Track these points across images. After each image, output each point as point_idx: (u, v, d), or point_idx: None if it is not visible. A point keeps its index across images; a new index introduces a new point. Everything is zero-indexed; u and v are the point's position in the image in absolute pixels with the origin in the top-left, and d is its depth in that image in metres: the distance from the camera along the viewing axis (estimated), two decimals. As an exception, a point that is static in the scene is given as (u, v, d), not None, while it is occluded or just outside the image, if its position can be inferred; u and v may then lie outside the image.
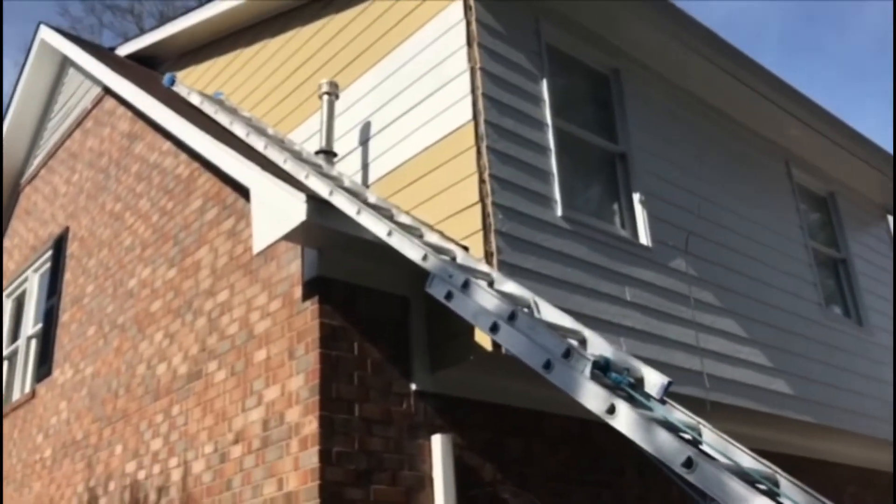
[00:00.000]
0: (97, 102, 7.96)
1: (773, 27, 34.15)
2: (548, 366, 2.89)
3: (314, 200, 3.98)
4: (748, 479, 2.37)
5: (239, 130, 5.54)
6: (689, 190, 5.98)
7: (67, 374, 6.86)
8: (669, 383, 2.87)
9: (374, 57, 5.51)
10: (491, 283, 3.68)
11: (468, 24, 4.86)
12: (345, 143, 5.55)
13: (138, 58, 8.44)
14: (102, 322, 6.50)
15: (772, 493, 2.40)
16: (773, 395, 5.72)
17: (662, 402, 2.86)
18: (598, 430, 4.21)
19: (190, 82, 7.56)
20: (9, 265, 9.12)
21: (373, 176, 5.26)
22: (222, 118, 5.87)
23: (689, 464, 2.31)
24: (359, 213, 3.93)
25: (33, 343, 8.02)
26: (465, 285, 3.40)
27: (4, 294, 8.90)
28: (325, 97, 5.50)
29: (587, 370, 2.78)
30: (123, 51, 8.65)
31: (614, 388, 2.78)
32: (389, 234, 3.81)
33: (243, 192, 4.84)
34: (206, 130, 5.17)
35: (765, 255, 6.45)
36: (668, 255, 5.47)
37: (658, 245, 5.43)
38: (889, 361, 7.29)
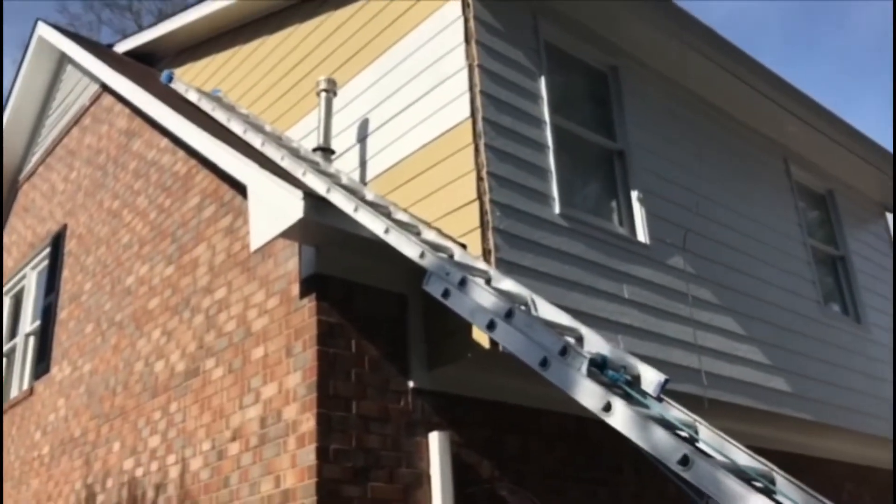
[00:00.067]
0: (95, 99, 7.95)
1: (773, 25, 34.13)
2: (544, 363, 2.88)
3: (311, 198, 3.97)
4: (744, 476, 2.37)
5: (236, 127, 5.53)
6: (688, 187, 5.98)
7: (65, 371, 6.85)
8: (666, 381, 2.87)
9: (372, 54, 5.51)
10: (488, 281, 3.67)
11: (466, 21, 4.86)
12: (343, 140, 5.55)
13: (136, 55, 8.43)
14: (100, 319, 6.49)
15: (768, 491, 2.40)
16: (771, 392, 5.72)
17: (659, 399, 2.86)
18: (595, 428, 4.21)
19: (188, 79, 7.55)
20: (7, 262, 9.11)
21: (371, 173, 5.26)
22: (220, 115, 5.86)
23: (685, 461, 2.31)
24: (356, 210, 3.93)
25: (31, 340, 8.01)
26: (462, 283, 3.39)
27: (3, 291, 8.89)
28: (323, 94, 5.49)
29: (584, 368, 2.78)
30: (121, 48, 8.64)
31: (611, 386, 2.78)
32: (387, 231, 3.81)
33: (241, 189, 4.83)
34: (203, 127, 5.17)
35: (763, 252, 6.45)
36: (667, 253, 5.47)
37: (656, 242, 5.43)
38: (887, 359, 7.29)
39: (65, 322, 7.15)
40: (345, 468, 3.89)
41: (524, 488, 4.51)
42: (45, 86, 8.91)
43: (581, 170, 5.53)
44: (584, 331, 3.25)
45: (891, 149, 8.00)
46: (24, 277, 8.56)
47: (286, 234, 4.12)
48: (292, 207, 3.93)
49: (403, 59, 5.22)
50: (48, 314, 7.50)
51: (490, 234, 4.35)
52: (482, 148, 4.55)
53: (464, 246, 4.30)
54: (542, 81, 5.17)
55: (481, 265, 3.89)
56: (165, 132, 6.07)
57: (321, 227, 4.06)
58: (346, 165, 5.43)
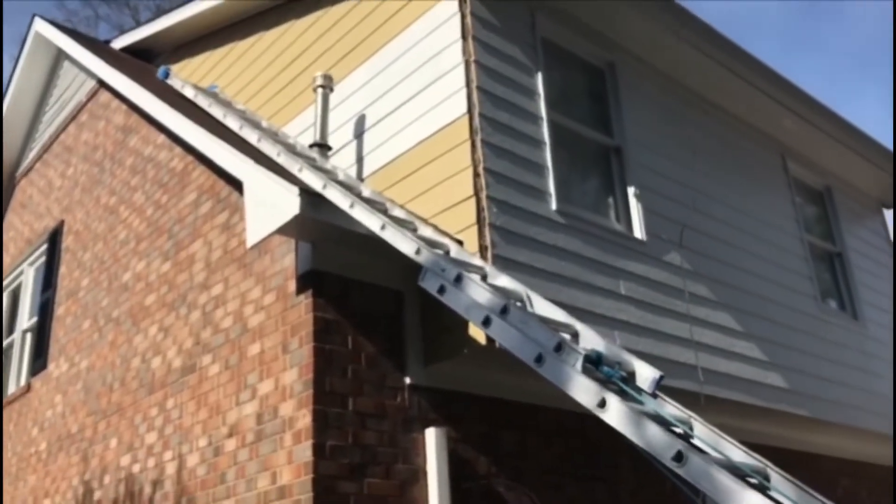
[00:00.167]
0: (92, 95, 7.94)
1: (772, 20, 34.10)
2: (539, 359, 2.89)
3: (307, 194, 3.97)
4: (739, 473, 2.37)
5: (233, 123, 5.52)
6: (685, 184, 5.98)
7: (63, 367, 6.85)
8: (661, 377, 2.88)
9: (369, 50, 5.50)
10: (484, 277, 3.67)
11: (463, 17, 4.85)
12: (339, 136, 5.54)
13: (133, 51, 8.41)
14: (97, 315, 6.49)
15: (762, 488, 2.40)
16: (767, 388, 5.73)
17: (654, 395, 2.86)
18: (593, 424, 4.20)
19: (185, 75, 7.54)
20: (4, 258, 9.10)
21: (367, 169, 5.25)
22: (216, 111, 5.85)
23: (679, 458, 2.32)
24: (352, 206, 3.93)
25: (28, 336, 8.01)
26: (458, 279, 3.39)
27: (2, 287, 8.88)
28: (320, 90, 5.48)
29: (578, 364, 2.78)
30: (119, 44, 8.61)
31: (605, 382, 2.78)
32: (383, 227, 3.80)
33: (237, 185, 4.83)
34: (200, 124, 5.16)
35: (760, 248, 6.45)
36: (663, 249, 5.47)
37: (653, 239, 5.43)
38: (883, 355, 7.30)
39: (62, 318, 7.15)
40: (341, 464, 3.89)
41: (521, 484, 4.51)
42: (42, 82, 8.90)
43: (578, 166, 5.53)
44: (580, 327, 3.25)
45: (887, 144, 8.00)
46: (21, 274, 8.55)
47: (282, 231, 4.11)
48: (288, 204, 3.93)
49: (400, 55, 5.21)
50: (45, 310, 7.49)
51: (486, 231, 4.35)
52: (479, 144, 4.54)
53: (460, 242, 4.30)
54: (539, 77, 5.17)
55: (477, 261, 3.89)
56: (162, 128, 6.06)
57: (317, 224, 4.06)
58: (342, 162, 5.43)
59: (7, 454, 7.44)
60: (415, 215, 4.42)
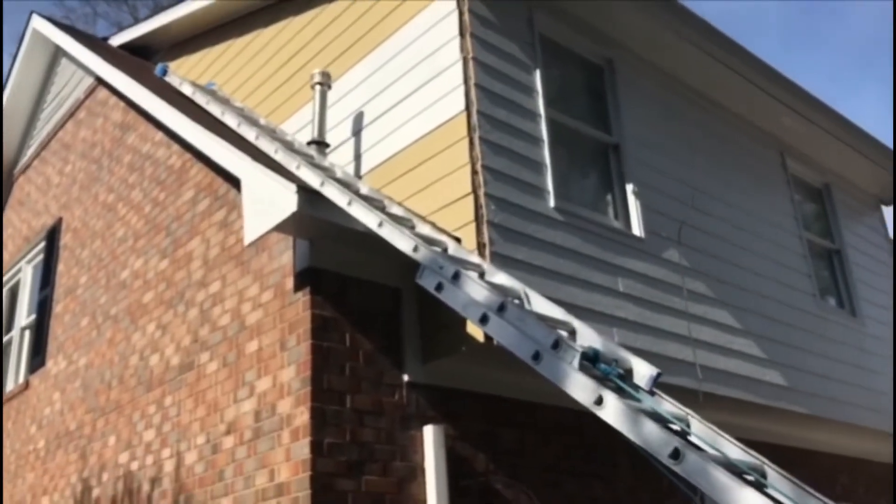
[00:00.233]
0: (90, 93, 7.93)
1: (772, 19, 34.07)
2: (536, 357, 2.88)
3: (305, 191, 3.97)
4: (735, 470, 2.37)
5: (230, 121, 5.51)
6: (683, 181, 5.97)
7: (61, 364, 6.85)
8: (658, 374, 2.88)
9: (367, 47, 5.49)
10: (482, 275, 3.67)
11: (461, 13, 4.84)
12: (337, 133, 5.53)
13: (131, 48, 8.40)
14: (96, 313, 6.49)
15: (759, 485, 2.40)
16: (765, 385, 5.73)
17: (651, 393, 2.86)
18: (591, 422, 4.20)
19: (183, 72, 7.53)
20: (3, 256, 9.10)
21: (365, 167, 5.25)
22: (214, 109, 5.85)
23: (675, 455, 2.31)
24: (350, 203, 3.92)
25: (27, 334, 8.01)
26: (456, 277, 3.39)
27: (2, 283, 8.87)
28: (318, 87, 5.47)
29: (575, 361, 2.78)
30: (117, 41, 8.60)
31: (603, 380, 2.78)
32: (380, 225, 3.80)
33: (235, 182, 4.82)
34: (198, 121, 5.15)
35: (759, 245, 6.45)
36: (662, 246, 5.47)
37: (651, 236, 5.43)
38: (882, 352, 7.30)
39: (60, 316, 7.14)
40: (339, 462, 3.89)
41: (519, 482, 4.51)
42: (40, 79, 8.88)
43: (576, 163, 5.53)
44: (577, 324, 3.25)
45: (886, 141, 8.02)
46: (19, 271, 8.54)
47: (280, 228, 4.11)
48: (286, 201, 3.92)
49: (398, 52, 5.20)
50: (44, 308, 7.49)
51: (485, 228, 4.35)
52: (477, 141, 4.54)
53: (458, 240, 4.29)
54: (537, 74, 5.16)
55: (475, 259, 3.89)
56: (160, 126, 6.05)
57: (315, 221, 4.05)
58: (340, 159, 5.42)
59: (5, 452, 7.44)
60: (413, 212, 4.42)
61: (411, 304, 4.48)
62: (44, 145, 8.79)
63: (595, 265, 4.91)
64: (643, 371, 2.90)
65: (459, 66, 4.72)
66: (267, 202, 4.08)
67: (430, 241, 3.81)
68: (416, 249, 3.62)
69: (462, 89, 4.66)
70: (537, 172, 4.85)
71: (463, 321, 4.07)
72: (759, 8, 32.30)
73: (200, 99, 6.12)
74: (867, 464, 7.19)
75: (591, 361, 2.85)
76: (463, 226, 4.39)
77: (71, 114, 8.27)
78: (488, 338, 3.96)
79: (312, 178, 4.14)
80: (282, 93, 6.23)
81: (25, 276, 8.40)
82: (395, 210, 4.24)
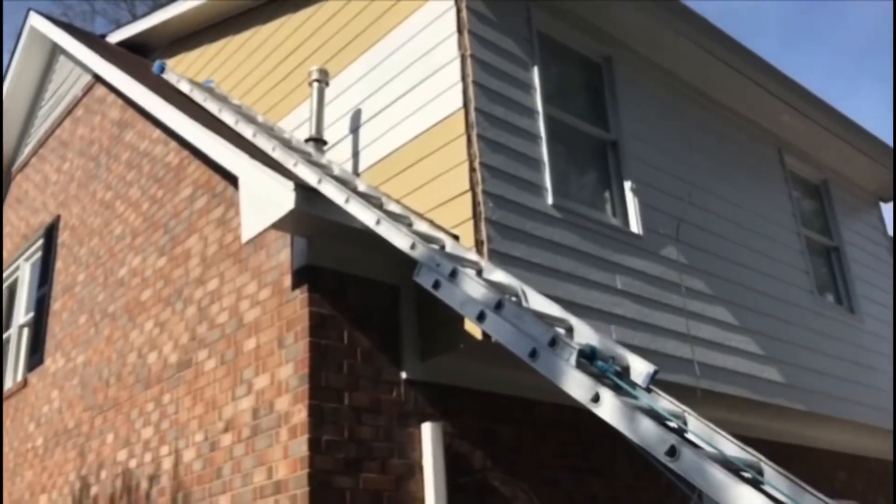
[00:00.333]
0: (87, 90, 7.92)
1: (771, 17, 34.05)
2: (533, 354, 2.88)
3: (302, 189, 3.96)
4: (732, 467, 2.37)
5: (228, 118, 5.51)
6: (681, 178, 5.97)
7: (59, 362, 6.85)
8: (655, 372, 2.88)
9: (365, 44, 5.48)
10: (479, 272, 3.67)
11: (459, 10, 4.83)
12: (335, 130, 5.53)
13: (129, 45, 8.39)
14: (93, 311, 6.48)
15: (756, 482, 2.41)
16: (764, 382, 5.73)
17: (648, 390, 2.86)
18: (589, 419, 4.22)
19: (181, 70, 7.52)
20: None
21: (363, 164, 5.24)
22: (211, 106, 5.84)
23: (672, 452, 2.31)
24: (347, 201, 3.92)
25: (25, 332, 8.00)
26: (453, 274, 3.39)
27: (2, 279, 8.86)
28: (315, 84, 5.47)
29: (572, 359, 2.78)
30: (114, 38, 8.59)
31: (600, 377, 2.78)
32: (378, 222, 3.80)
33: (233, 180, 4.82)
34: (195, 118, 5.15)
35: (757, 242, 6.45)
36: (660, 243, 5.47)
37: (649, 233, 5.43)
38: (880, 349, 7.31)
39: (58, 313, 7.14)
40: (337, 459, 3.89)
41: (517, 479, 4.52)
42: (38, 76, 8.87)
43: (574, 160, 5.52)
44: (575, 321, 3.25)
45: (884, 138, 7.98)
46: (17, 269, 8.54)
47: (277, 226, 4.10)
48: (283, 198, 3.92)
49: (396, 48, 5.19)
50: (42, 305, 7.48)
51: (482, 225, 4.35)
52: (475, 138, 4.53)
53: (456, 237, 4.29)
54: (535, 71, 5.15)
55: (472, 256, 3.89)
56: (158, 123, 6.05)
57: (313, 219, 4.05)
58: (338, 156, 5.42)
59: (4, 450, 7.44)
60: (410, 210, 4.41)
61: (409, 302, 4.48)
62: (42, 143, 8.78)
63: (593, 262, 4.91)
64: (640, 368, 2.90)
65: (457, 63, 4.71)
66: (264, 200, 4.08)
67: (427, 239, 3.81)
68: (413, 247, 3.62)
69: (460, 86, 4.65)
70: (535, 170, 4.85)
71: (461, 318, 4.07)
72: (759, 7, 32.28)
73: (198, 96, 6.12)
74: (865, 460, 7.20)
75: (589, 359, 2.85)
76: (461, 223, 4.39)
77: (69, 111, 8.26)
78: (486, 335, 3.96)
79: (310, 176, 4.13)
80: (279, 90, 6.23)
81: (23, 273, 8.40)
82: (393, 207, 4.23)
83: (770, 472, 2.46)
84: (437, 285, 3.45)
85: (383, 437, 4.10)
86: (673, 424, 2.65)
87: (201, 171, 5.44)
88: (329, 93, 5.56)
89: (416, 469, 4.15)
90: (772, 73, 6.71)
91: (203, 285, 5.10)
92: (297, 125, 5.81)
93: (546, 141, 4.98)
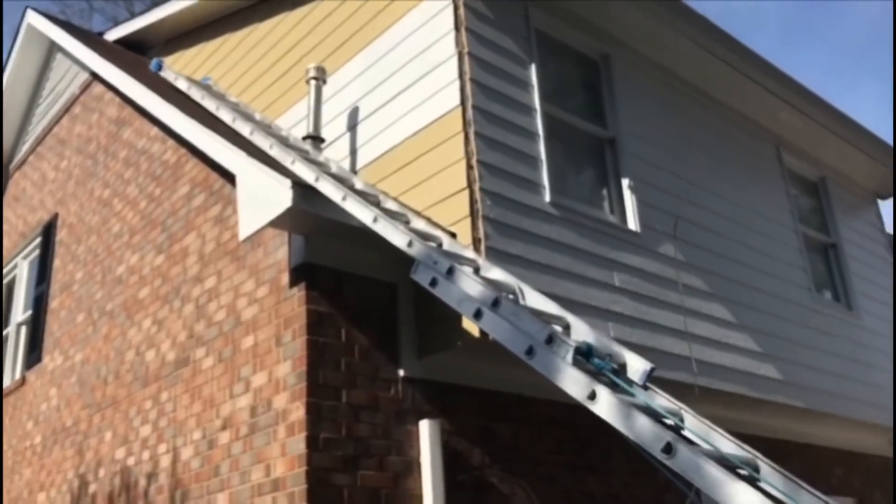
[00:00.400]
0: (85, 88, 7.91)
1: (770, 14, 34.04)
2: (530, 352, 2.89)
3: (300, 186, 3.96)
4: (728, 464, 2.37)
5: (225, 116, 5.50)
6: (678, 175, 5.97)
7: (57, 360, 6.85)
8: (652, 369, 2.88)
9: (362, 41, 5.48)
10: (476, 270, 3.67)
11: (456, 8, 4.83)
12: (333, 128, 5.53)
13: (127, 43, 8.38)
14: (91, 309, 6.48)
15: (752, 479, 2.41)
16: (761, 380, 5.74)
17: (645, 387, 2.86)
18: (586, 416, 4.22)
19: (179, 67, 7.51)
20: (-2, 252, 9.09)
21: (361, 161, 5.24)
22: (209, 104, 5.83)
23: (668, 449, 2.32)
24: (344, 199, 3.92)
25: (23, 330, 8.00)
26: (450, 272, 3.39)
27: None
28: (313, 82, 5.47)
29: (569, 356, 2.78)
30: (112, 35, 8.58)
31: (596, 374, 2.78)
32: (375, 220, 3.80)
33: (230, 177, 4.81)
34: (193, 116, 5.14)
35: (754, 239, 6.45)
36: (657, 241, 5.47)
37: (647, 230, 5.43)
38: (878, 346, 7.32)
39: (56, 311, 7.14)
40: (335, 457, 3.89)
41: (515, 476, 4.52)
42: (35, 74, 8.86)
43: (572, 158, 5.52)
44: (571, 319, 3.25)
45: (883, 136, 8.02)
46: (15, 267, 8.53)
47: (275, 224, 4.10)
48: (281, 196, 3.92)
49: (393, 46, 5.19)
50: (39, 304, 7.48)
51: (480, 223, 4.35)
52: (472, 136, 4.53)
53: (453, 234, 4.29)
54: (533, 69, 5.15)
55: (469, 254, 3.89)
56: (155, 121, 6.04)
57: (310, 216, 4.05)
58: (336, 154, 5.42)
59: (2, 448, 7.44)
60: (408, 208, 4.41)
61: (407, 300, 4.48)
62: (39, 141, 8.77)
63: (591, 260, 4.92)
64: (637, 366, 2.91)
65: (454, 61, 4.71)
66: (262, 198, 4.07)
67: (425, 237, 3.81)
68: (410, 245, 3.62)
69: (457, 84, 4.65)
70: (533, 167, 4.85)
71: (459, 316, 4.07)
72: (759, 7, 32.27)
73: (195, 94, 6.11)
74: (862, 457, 7.21)
75: (585, 356, 2.85)
76: (458, 221, 4.39)
77: (66, 109, 8.25)
78: (484, 333, 3.96)
79: (307, 174, 4.13)
80: (277, 88, 6.23)
81: (21, 271, 8.39)
82: (390, 205, 4.23)
83: (766, 468, 2.46)
84: (434, 283, 3.45)
85: (381, 434, 4.10)
86: (669, 422, 2.66)
87: (199, 168, 5.43)
88: (326, 90, 5.56)
89: (414, 466, 4.15)
90: (770, 71, 6.71)
91: (201, 283, 5.10)
92: (295, 123, 5.81)
93: (544, 138, 4.98)
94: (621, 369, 2.92)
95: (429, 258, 3.50)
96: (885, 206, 8.90)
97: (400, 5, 5.23)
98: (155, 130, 6.20)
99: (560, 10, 5.55)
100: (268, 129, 5.33)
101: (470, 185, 4.42)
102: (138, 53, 8.30)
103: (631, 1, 5.73)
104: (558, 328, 3.16)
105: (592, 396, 2.61)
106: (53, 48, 8.53)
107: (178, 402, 4.99)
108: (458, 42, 4.75)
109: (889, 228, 8.75)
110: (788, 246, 6.86)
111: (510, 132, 4.80)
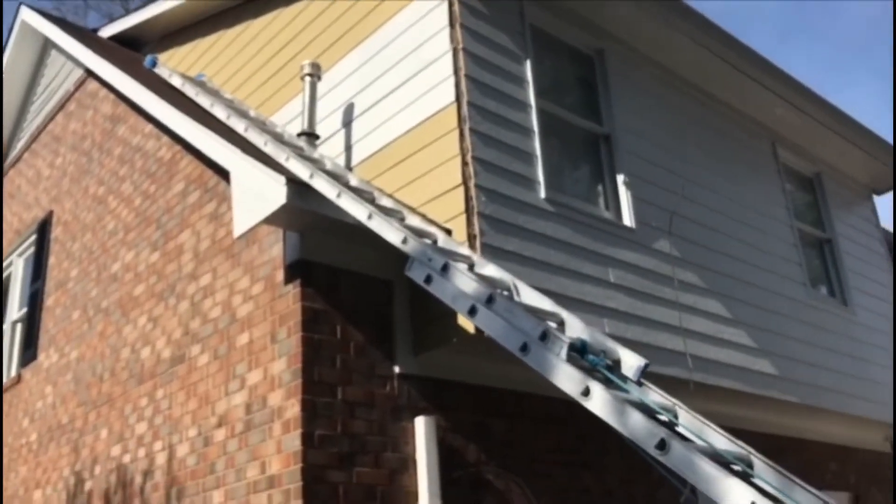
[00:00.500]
0: (80, 85, 7.88)
1: (768, 11, 34.04)
2: (524, 348, 2.89)
3: (294, 183, 3.95)
4: (722, 460, 2.38)
5: (220, 113, 5.49)
6: (674, 171, 5.97)
7: (53, 358, 6.84)
8: (646, 365, 2.88)
9: (357, 38, 5.47)
10: (471, 267, 3.67)
11: (450, 4, 4.82)
12: (327, 124, 5.52)
13: (121, 39, 8.35)
14: (87, 306, 6.47)
15: (745, 475, 2.42)
16: (757, 375, 5.75)
17: (639, 383, 2.87)
18: (581, 413, 4.23)
19: (173, 64, 7.49)
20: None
21: (356, 158, 5.24)
22: (203, 100, 5.82)
23: (661, 446, 2.32)
24: (339, 196, 3.91)
25: (18, 327, 7.99)
26: (445, 269, 3.39)
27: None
28: (308, 78, 5.45)
29: (563, 352, 2.78)
30: (106, 32, 8.55)
31: (590, 371, 2.78)
32: (369, 217, 3.80)
33: (225, 174, 4.81)
34: (187, 113, 5.13)
35: (750, 235, 6.46)
36: (652, 237, 5.48)
37: (642, 226, 5.43)
38: (873, 341, 7.33)
39: (51, 309, 7.13)
40: (330, 454, 3.89)
41: (510, 472, 4.53)
42: (29, 71, 8.83)
43: (567, 154, 5.52)
44: (566, 315, 3.25)
45: (881, 131, 8.01)
46: (10, 264, 8.51)
47: (269, 220, 4.10)
48: (275, 193, 3.91)
49: (388, 42, 5.18)
50: (35, 301, 7.47)
51: (475, 219, 4.34)
52: (467, 132, 4.53)
53: (448, 231, 4.29)
54: (528, 65, 5.14)
55: (464, 251, 3.89)
56: (150, 118, 6.02)
57: (305, 213, 4.04)
58: (330, 150, 5.41)
59: (-2, 445, 7.44)
60: (403, 204, 4.41)
61: (403, 296, 4.48)
62: (34, 138, 8.75)
63: (586, 256, 4.92)
64: (631, 362, 2.91)
65: (449, 57, 4.71)
66: (256, 194, 4.07)
67: (420, 233, 3.81)
68: (405, 241, 3.62)
69: (452, 80, 4.65)
70: (528, 163, 4.85)
71: (454, 313, 4.07)
72: (757, 6, 32.28)
73: (190, 91, 6.10)
74: (857, 451, 7.23)
75: (579, 352, 2.86)
76: (453, 217, 4.39)
77: (61, 106, 8.23)
78: (479, 329, 3.96)
79: (302, 170, 4.13)
80: (271, 84, 6.21)
81: (16, 269, 8.37)
82: (385, 202, 4.23)
83: (760, 464, 2.47)
84: (428, 280, 3.46)
85: (377, 431, 4.10)
86: (663, 418, 2.66)
87: (193, 165, 5.42)
88: (321, 87, 5.55)
89: (409, 463, 4.15)
90: (766, 67, 6.71)
91: (196, 280, 5.09)
92: (290, 119, 5.79)
93: (539, 135, 4.98)
94: (616, 365, 2.92)
95: (423, 255, 3.50)
96: (881, 202, 8.91)
97: (396, 1, 5.22)
98: (149, 127, 6.19)
99: (555, 5, 5.54)
100: (262, 126, 5.31)
101: (465, 182, 4.42)
102: (133, 50, 8.28)
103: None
104: (553, 324, 3.17)
105: (586, 393, 2.62)
106: (48, 45, 8.50)
107: (173, 400, 4.98)
108: (452, 38, 4.74)
109: (886, 225, 8.76)
110: (784, 241, 6.87)
111: (505, 128, 4.79)
